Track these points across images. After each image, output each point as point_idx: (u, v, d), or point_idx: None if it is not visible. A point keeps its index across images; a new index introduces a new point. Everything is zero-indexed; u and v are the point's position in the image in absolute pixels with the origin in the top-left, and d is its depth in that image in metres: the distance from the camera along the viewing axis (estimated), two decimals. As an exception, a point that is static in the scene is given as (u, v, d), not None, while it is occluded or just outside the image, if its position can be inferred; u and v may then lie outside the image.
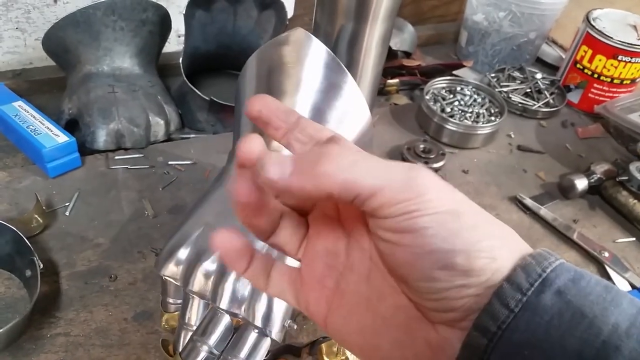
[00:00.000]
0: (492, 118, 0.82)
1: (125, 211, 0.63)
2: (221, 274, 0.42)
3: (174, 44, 0.88)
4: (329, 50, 0.54)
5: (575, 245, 0.68)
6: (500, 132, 0.83)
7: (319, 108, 0.52)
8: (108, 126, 0.69)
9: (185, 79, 0.75)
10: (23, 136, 0.65)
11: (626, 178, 0.71)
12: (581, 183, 0.73)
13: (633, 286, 0.63)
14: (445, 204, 0.24)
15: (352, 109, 0.55)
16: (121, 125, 0.69)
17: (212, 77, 0.87)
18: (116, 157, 0.70)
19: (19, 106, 0.69)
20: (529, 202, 0.72)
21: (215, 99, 0.73)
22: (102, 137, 0.69)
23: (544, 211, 0.71)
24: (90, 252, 0.59)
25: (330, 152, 0.24)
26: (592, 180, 0.74)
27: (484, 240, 0.24)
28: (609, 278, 0.64)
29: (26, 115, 0.67)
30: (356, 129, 0.55)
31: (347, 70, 0.55)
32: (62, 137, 0.65)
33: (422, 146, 0.75)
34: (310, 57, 0.54)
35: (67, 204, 0.63)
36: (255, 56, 0.58)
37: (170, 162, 0.70)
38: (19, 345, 0.50)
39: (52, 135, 0.65)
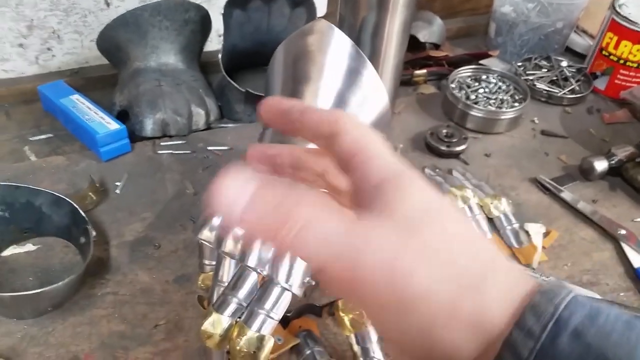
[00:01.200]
0: (516, 104, 0.85)
1: (169, 190, 0.70)
2: (249, 237, 0.48)
3: (215, 42, 0.95)
4: (349, 39, 0.59)
5: (593, 224, 0.70)
6: (525, 118, 0.86)
7: (341, 92, 0.57)
8: (155, 116, 0.76)
9: (224, 73, 0.81)
10: (79, 124, 0.73)
11: (646, 159, 0.73)
12: (600, 164, 0.75)
13: (649, 262, 0.65)
14: (386, 274, 0.21)
15: (371, 94, 0.59)
16: (166, 115, 0.76)
17: (249, 72, 0.94)
18: (162, 144, 0.77)
19: (76, 99, 0.77)
20: (548, 182, 0.74)
21: (250, 91, 0.80)
22: (149, 126, 0.76)
23: (563, 192, 0.73)
24: (138, 225, 0.66)
25: (291, 218, 0.23)
26: (613, 162, 0.75)
27: (445, 304, 0.21)
28: (624, 255, 0.66)
29: (82, 106, 0.76)
30: (374, 112, 0.60)
31: (366, 58, 0.59)
32: (114, 125, 0.72)
33: (444, 131, 0.79)
34: (333, 46, 0.59)
35: (117, 184, 0.70)
36: (282, 46, 0.63)
37: (209, 148, 0.77)
38: (75, 301, 0.57)
39: (104, 124, 0.72)
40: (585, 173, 0.76)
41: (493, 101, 0.84)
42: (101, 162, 0.73)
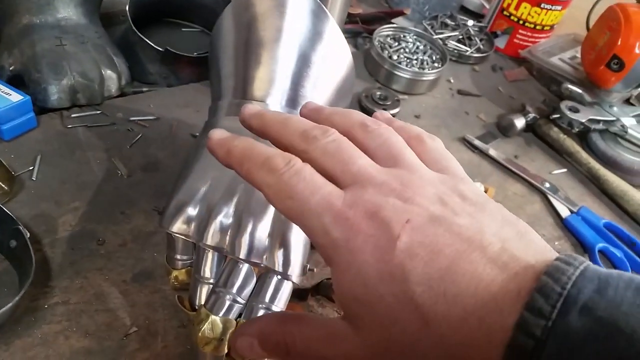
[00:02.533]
0: (436, 65, 0.86)
1: (97, 172, 0.60)
2: (238, 226, 0.43)
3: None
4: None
5: (521, 179, 0.76)
6: (441, 78, 0.89)
7: (303, 52, 0.53)
8: (60, 82, 0.64)
9: (133, 27, 0.71)
10: (-33, 96, 0.59)
11: (558, 116, 0.80)
12: (519, 122, 0.81)
13: (572, 211, 0.72)
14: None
15: (335, 53, 0.56)
16: (74, 81, 0.64)
17: (154, 27, 0.83)
18: (72, 115, 0.65)
19: (-48, 62, 0.62)
20: (476, 142, 0.78)
21: (171, 49, 0.70)
22: (54, 94, 0.64)
23: (489, 149, 0.78)
24: (70, 217, 0.56)
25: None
26: (529, 119, 0.81)
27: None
28: (552, 207, 0.72)
29: (-36, 72, 0.61)
30: (340, 73, 0.56)
31: (329, 14, 0.55)
32: (15, 96, 0.59)
33: (378, 93, 0.78)
34: (291, 3, 0.54)
35: (31, 168, 0.58)
36: (231, 5, 0.57)
37: (131, 119, 0.67)
38: (16, 319, 0.47)
39: (2, 95, 0.59)
40: (504, 130, 0.82)
41: (415, 62, 0.85)
42: (2, 141, 0.60)
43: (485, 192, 0.71)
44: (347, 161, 0.27)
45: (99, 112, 0.66)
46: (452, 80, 0.90)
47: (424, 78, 0.83)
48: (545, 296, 0.21)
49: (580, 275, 0.21)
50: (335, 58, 0.56)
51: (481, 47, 0.96)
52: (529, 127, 0.82)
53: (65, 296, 0.50)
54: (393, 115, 0.77)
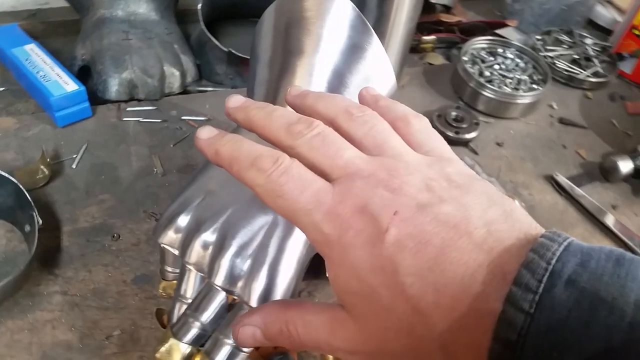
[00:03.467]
0: (534, 86, 0.75)
1: (134, 167, 0.61)
2: (219, 247, 0.39)
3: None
4: (354, 5, 0.49)
5: (612, 234, 0.62)
6: (542, 102, 0.77)
7: (339, 71, 0.47)
8: (120, 75, 0.65)
9: (203, 27, 0.70)
10: (32, 82, 0.62)
11: (677, 162, 0.65)
12: (625, 165, 0.67)
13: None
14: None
15: (376, 74, 0.50)
16: (134, 75, 0.66)
17: (233, 25, 0.82)
18: (128, 109, 0.67)
19: (31, 49, 0.66)
20: (565, 182, 0.66)
21: (234, 52, 0.69)
22: (114, 87, 0.65)
23: (580, 193, 0.65)
24: (95, 209, 0.56)
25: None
26: (639, 163, 0.67)
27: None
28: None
29: (37, 59, 0.65)
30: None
31: (372, 30, 0.49)
32: (72, 85, 0.62)
33: (454, 114, 0.69)
34: (333, 13, 0.49)
35: (74, 156, 0.60)
36: (273, 7, 0.53)
37: (183, 117, 0.67)
38: (15, 300, 0.49)
39: (61, 83, 0.62)
40: (606, 173, 0.68)
41: (510, 80, 0.75)
42: (57, 127, 0.63)
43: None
44: (334, 155, 0.28)
45: (154, 107, 0.67)
46: (555, 107, 0.78)
47: (518, 101, 0.73)
48: (532, 271, 0.22)
49: (565, 251, 0.22)
50: (375, 79, 0.50)
51: (600, 70, 0.82)
52: (639, 173, 0.68)
53: (66, 286, 0.50)
54: (468, 141, 0.69)
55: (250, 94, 0.51)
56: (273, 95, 0.47)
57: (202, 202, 0.41)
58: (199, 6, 0.70)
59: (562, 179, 0.67)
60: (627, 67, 0.83)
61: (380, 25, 0.64)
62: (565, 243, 0.23)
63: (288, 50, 0.49)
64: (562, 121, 0.76)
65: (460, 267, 0.23)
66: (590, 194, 0.66)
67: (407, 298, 0.24)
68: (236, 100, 0.33)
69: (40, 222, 0.50)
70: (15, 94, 0.68)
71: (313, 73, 0.47)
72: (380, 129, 0.30)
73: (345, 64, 0.48)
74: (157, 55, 0.67)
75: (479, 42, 0.79)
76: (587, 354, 0.20)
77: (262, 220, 0.39)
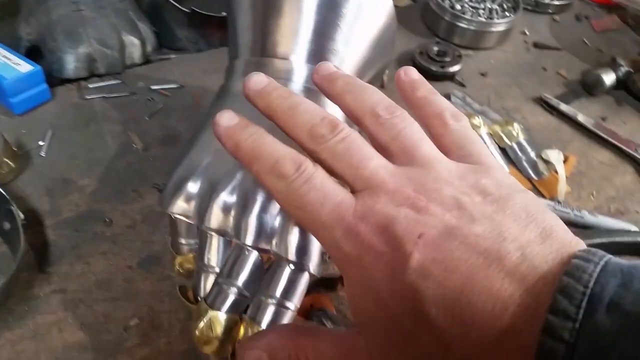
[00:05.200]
0: (507, 14, 0.74)
1: (110, 146, 0.55)
2: (243, 206, 0.35)
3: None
4: None
5: (608, 144, 0.62)
6: (514, 30, 0.76)
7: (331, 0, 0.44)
8: (77, 50, 0.59)
9: (158, -11, 0.65)
10: (-24, 68, 0.55)
11: (658, 68, 0.65)
12: (609, 77, 0.67)
13: (674, 183, 0.58)
14: None
15: (371, 1, 0.47)
16: (92, 48, 0.59)
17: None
18: (90, 86, 0.60)
19: (-34, 33, 0.58)
20: (555, 102, 0.65)
21: (197, 10, 0.64)
22: (71, 64, 0.59)
23: (570, 110, 0.65)
24: (77, 196, 0.50)
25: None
26: (620, 74, 0.67)
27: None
28: (648, 177, 0.59)
29: (-24, 43, 0.57)
30: (377, 24, 0.47)
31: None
32: (25, 66, 0.55)
33: (435, 49, 0.67)
34: None
35: (41, 143, 0.54)
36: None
37: (153, 87, 0.61)
38: (8, 308, 0.43)
39: (12, 65, 0.55)
40: (590, 87, 0.68)
41: (482, 11, 0.73)
42: (14, 116, 0.56)
43: (565, 161, 0.59)
44: (357, 165, 0.26)
45: (119, 81, 0.61)
46: (527, 32, 0.77)
47: (492, 29, 0.71)
48: (569, 297, 0.20)
49: (602, 271, 0.20)
50: (370, 5, 0.47)
51: (563, -8, 0.82)
52: (621, 84, 0.68)
53: (64, 284, 0.45)
54: (454, 74, 0.67)
55: (232, 46, 0.46)
56: (260, 41, 0.43)
57: (211, 162, 0.37)
58: (150, -33, 0.64)
59: (550, 99, 0.66)
60: (587, -14, 0.84)
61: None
62: (602, 263, 0.20)
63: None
64: (537, 45, 0.75)
65: (490, 298, 0.21)
66: (578, 110, 0.65)
67: (431, 329, 0.22)
68: (257, 82, 0.30)
69: (22, 216, 0.44)
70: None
71: (302, 8, 0.43)
72: (409, 134, 0.27)
73: None
74: (112, 24, 0.61)
75: (444, -24, 0.77)
76: None
77: None
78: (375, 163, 0.26)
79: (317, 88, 0.32)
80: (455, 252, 0.22)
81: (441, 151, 0.28)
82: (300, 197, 0.25)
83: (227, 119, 0.29)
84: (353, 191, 0.26)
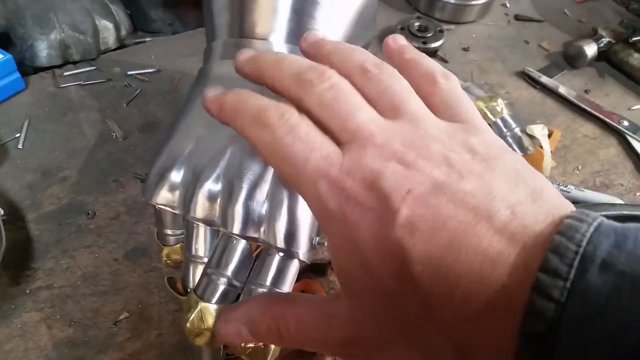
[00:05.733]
0: (487, -14, 0.73)
1: (89, 135, 0.54)
2: (229, 194, 0.34)
3: None
4: None
5: (592, 117, 0.63)
6: (495, 3, 0.75)
7: None
8: (48, 37, 0.57)
9: (130, -30, 0.62)
10: (-57, 58, 0.53)
11: (639, 38, 0.65)
12: (590, 49, 0.67)
13: (657, 154, 0.59)
14: None
15: None
16: (64, 34, 0.57)
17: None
18: (65, 74, 0.58)
19: None
20: (539, 75, 0.65)
21: (171, -8, 0.62)
22: (43, 51, 0.57)
23: (553, 83, 0.65)
24: (58, 188, 0.49)
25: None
26: (602, 45, 0.67)
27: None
28: (630, 149, 0.60)
29: (-58, 32, 0.55)
30: (357, 0, 0.46)
31: None
32: (-6, 55, 0.53)
33: (417, 24, 0.66)
34: None
35: (17, 135, 0.52)
36: None
37: (129, 73, 0.59)
38: (-7, 307, 0.42)
39: (-20, 54, 0.53)
40: (572, 60, 0.68)
41: (462, -16, 0.72)
42: (-14, 107, 0.54)
43: (550, 135, 0.59)
44: (346, 115, 0.25)
45: (94, 68, 0.59)
46: (507, 5, 0.76)
47: (473, 2, 0.70)
48: (561, 255, 0.19)
49: (596, 231, 0.19)
50: None
51: (543, -38, 0.81)
52: (602, 55, 0.68)
53: (50, 279, 0.44)
54: (436, 50, 0.67)
55: (209, 27, 0.45)
56: (238, 21, 0.42)
57: (194, 149, 0.36)
58: (120, -54, 0.61)
59: (533, 73, 0.66)
60: (566, -45, 0.83)
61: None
62: (595, 223, 0.20)
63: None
64: (518, 18, 0.74)
65: (477, 255, 0.20)
66: (562, 83, 0.65)
67: (415, 289, 0.21)
68: (246, 53, 0.30)
69: (2, 212, 0.43)
70: None
71: None
72: (398, 89, 0.26)
73: None
74: (84, 8, 0.59)
75: (423, -51, 0.76)
76: (631, 345, 0.17)
77: None
78: (364, 115, 0.25)
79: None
80: (443, 208, 0.21)
81: (430, 110, 0.27)
82: (285, 147, 0.24)
83: (213, 90, 0.29)
84: (339, 143, 0.25)
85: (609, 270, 0.18)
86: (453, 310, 0.21)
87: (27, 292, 0.43)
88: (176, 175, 0.36)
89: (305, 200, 0.25)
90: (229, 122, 0.27)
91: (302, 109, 0.26)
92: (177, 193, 0.36)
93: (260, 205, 0.34)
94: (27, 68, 0.57)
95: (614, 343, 0.17)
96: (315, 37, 0.31)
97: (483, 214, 0.21)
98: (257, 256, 0.36)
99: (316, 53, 0.30)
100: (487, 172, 0.23)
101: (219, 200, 0.35)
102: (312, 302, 0.27)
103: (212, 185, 0.35)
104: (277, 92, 0.28)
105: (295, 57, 0.28)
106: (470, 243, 0.21)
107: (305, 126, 0.25)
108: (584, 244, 0.19)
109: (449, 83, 0.28)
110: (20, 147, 0.52)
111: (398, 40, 0.31)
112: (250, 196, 0.34)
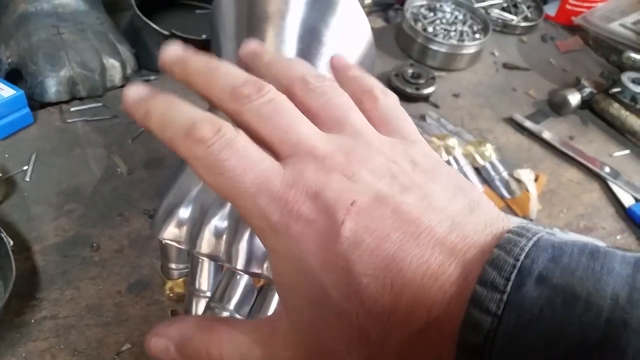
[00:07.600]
0: (477, 36, 0.77)
1: (95, 170, 0.55)
2: (234, 231, 0.36)
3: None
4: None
5: (576, 163, 0.66)
6: (484, 52, 0.79)
7: (313, 27, 0.46)
8: (58, 74, 0.59)
9: (137, 11, 0.65)
10: (-42, 93, 0.55)
11: (619, 90, 0.69)
12: (574, 98, 0.70)
13: (636, 199, 0.62)
14: None
15: (351, 29, 0.49)
16: (73, 72, 0.59)
17: (164, 11, 0.77)
18: (72, 109, 0.60)
19: (-55, 57, 0.58)
20: (526, 122, 0.69)
21: (176, 32, 0.64)
22: (52, 87, 0.59)
23: (540, 130, 0.68)
24: (64, 220, 0.51)
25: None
26: (585, 95, 0.71)
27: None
28: (612, 194, 0.63)
29: (-44, 67, 0.57)
30: (358, 51, 0.49)
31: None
32: (7, 91, 0.55)
33: (410, 71, 0.69)
34: None
35: (25, 168, 0.54)
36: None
37: (136, 110, 0.61)
38: (-1, 336, 0.43)
39: (-7, 89, 0.55)
40: (557, 108, 0.72)
41: (453, 33, 0.76)
42: (-4, 140, 0.56)
43: (536, 180, 0.62)
44: (286, 129, 0.24)
45: (100, 104, 0.61)
46: (496, 53, 0.80)
47: (464, 51, 0.74)
48: (498, 269, 0.20)
49: (534, 246, 0.20)
50: (351, 33, 0.49)
51: (529, 15, 0.85)
52: (585, 104, 0.72)
53: (55, 309, 0.45)
54: (428, 95, 0.70)
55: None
56: (244, 68, 0.45)
57: (203, 187, 0.38)
58: (131, -10, 0.64)
59: (520, 119, 0.69)
60: (551, 9, 0.88)
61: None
62: (534, 238, 0.21)
63: (254, 16, 0.46)
64: (506, 66, 0.78)
65: (419, 266, 0.21)
66: (548, 129, 0.69)
67: (361, 301, 0.21)
68: (174, 50, 0.28)
69: (12, 242, 0.45)
70: None
71: (285, 36, 0.44)
72: (339, 102, 0.26)
73: (318, 19, 0.46)
74: (93, 47, 0.61)
75: (418, 0, 0.80)
76: (561, 355, 0.18)
77: None
78: (305, 128, 0.25)
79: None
80: (387, 220, 0.22)
81: None
82: (221, 162, 0.23)
83: (135, 89, 0.26)
84: (279, 157, 0.24)
85: (544, 284, 0.19)
86: (398, 320, 0.21)
87: (33, 321, 0.44)
88: (184, 212, 0.37)
89: (243, 215, 0.24)
90: (155, 133, 0.25)
91: (238, 123, 0.25)
92: (185, 229, 0.37)
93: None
94: (35, 103, 0.59)
95: (546, 353, 0.18)
96: (253, 46, 0.31)
97: (425, 225, 0.22)
98: (259, 291, 0.38)
99: (255, 62, 0.30)
100: (428, 182, 0.23)
101: (224, 237, 0.37)
102: (252, 323, 0.27)
103: (218, 222, 0.37)
104: (209, 103, 0.27)
105: (229, 68, 0.27)
106: (413, 254, 0.21)
107: (242, 140, 0.23)
108: (521, 257, 0.20)
109: (388, 100, 0.28)
110: (28, 180, 0.53)
111: (342, 60, 0.32)
112: (254, 234, 0.36)
